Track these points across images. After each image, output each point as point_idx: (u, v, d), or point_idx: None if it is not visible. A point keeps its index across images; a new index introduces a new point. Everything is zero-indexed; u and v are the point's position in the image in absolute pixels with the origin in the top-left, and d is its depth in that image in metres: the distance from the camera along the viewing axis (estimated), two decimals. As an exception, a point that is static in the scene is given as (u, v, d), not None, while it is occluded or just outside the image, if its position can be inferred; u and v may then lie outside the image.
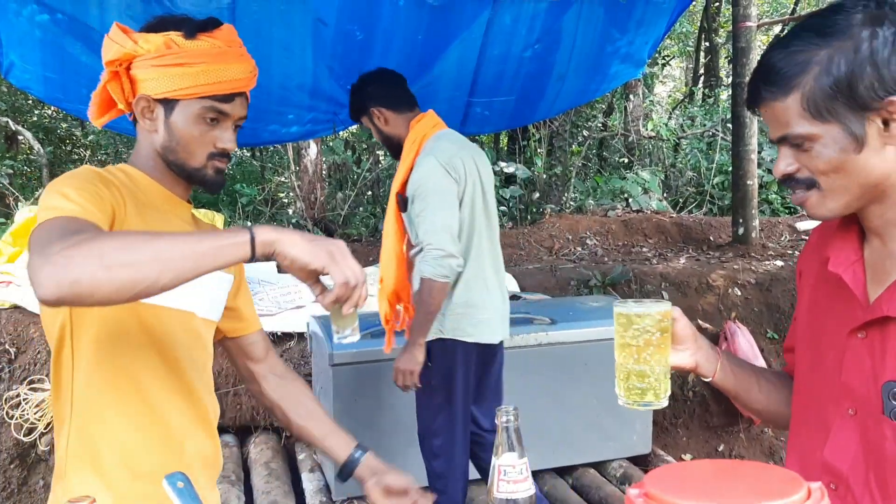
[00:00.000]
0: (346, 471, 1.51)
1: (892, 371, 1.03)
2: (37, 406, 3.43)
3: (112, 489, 1.32)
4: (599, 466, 3.68)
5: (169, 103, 1.36)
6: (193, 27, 1.35)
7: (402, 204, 2.70)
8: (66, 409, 1.33)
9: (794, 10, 10.42)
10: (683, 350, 1.21)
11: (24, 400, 3.46)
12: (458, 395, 2.74)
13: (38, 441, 3.45)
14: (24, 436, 3.45)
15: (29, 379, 3.55)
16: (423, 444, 2.84)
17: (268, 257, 1.12)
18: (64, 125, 10.70)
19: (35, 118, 10.28)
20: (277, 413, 1.64)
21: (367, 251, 5.68)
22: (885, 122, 1.00)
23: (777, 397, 1.31)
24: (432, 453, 2.80)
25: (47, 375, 3.55)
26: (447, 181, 2.60)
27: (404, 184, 2.70)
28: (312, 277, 1.18)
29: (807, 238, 5.97)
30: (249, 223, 7.28)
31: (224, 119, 1.39)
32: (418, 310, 2.62)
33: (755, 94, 1.08)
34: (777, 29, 10.65)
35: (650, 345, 1.13)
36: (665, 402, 1.15)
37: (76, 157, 10.92)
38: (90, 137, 10.69)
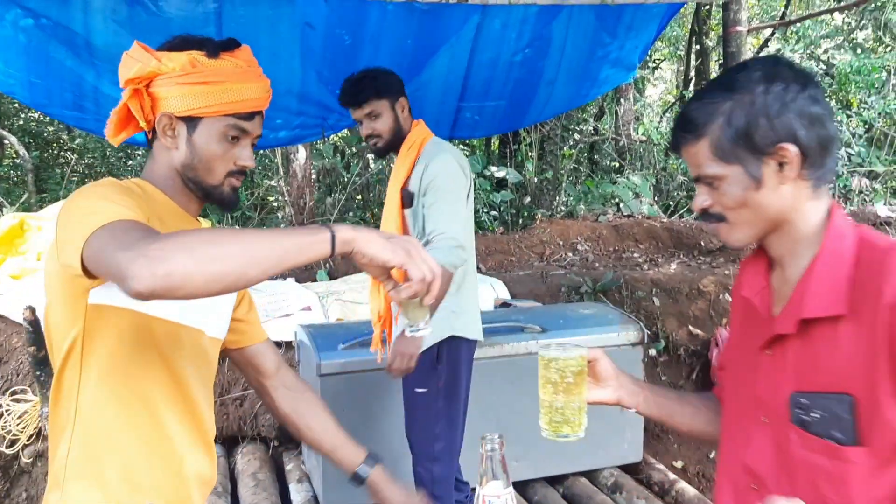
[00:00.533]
0: (356, 482, 1.63)
1: (794, 383, 1.19)
2: (19, 417, 3.38)
3: (111, 502, 1.34)
4: (590, 475, 3.65)
5: (192, 121, 1.38)
6: (216, 47, 1.38)
7: (409, 199, 2.71)
8: (67, 420, 1.34)
9: (783, 15, 10.44)
10: (606, 387, 1.39)
11: (6, 411, 3.41)
12: (461, 393, 2.77)
13: (20, 452, 3.40)
14: (6, 447, 3.39)
15: (11, 390, 3.49)
16: (422, 449, 2.78)
17: (346, 255, 1.16)
18: (50, 129, 10.61)
19: (21, 122, 10.19)
20: (289, 425, 1.70)
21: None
22: (780, 165, 1.17)
23: (701, 419, 1.47)
24: (433, 458, 2.75)
25: (30, 386, 3.49)
26: (462, 178, 2.66)
27: (406, 180, 2.72)
28: (385, 273, 1.22)
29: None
30: (237, 227, 7.22)
31: (244, 137, 1.43)
32: None
33: (675, 139, 1.27)
34: (767, 33, 10.66)
35: (566, 384, 1.28)
36: (581, 434, 1.31)
37: (63, 160, 10.83)
38: (77, 141, 10.60)
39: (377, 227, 2.84)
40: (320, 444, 1.68)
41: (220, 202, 1.46)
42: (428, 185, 2.60)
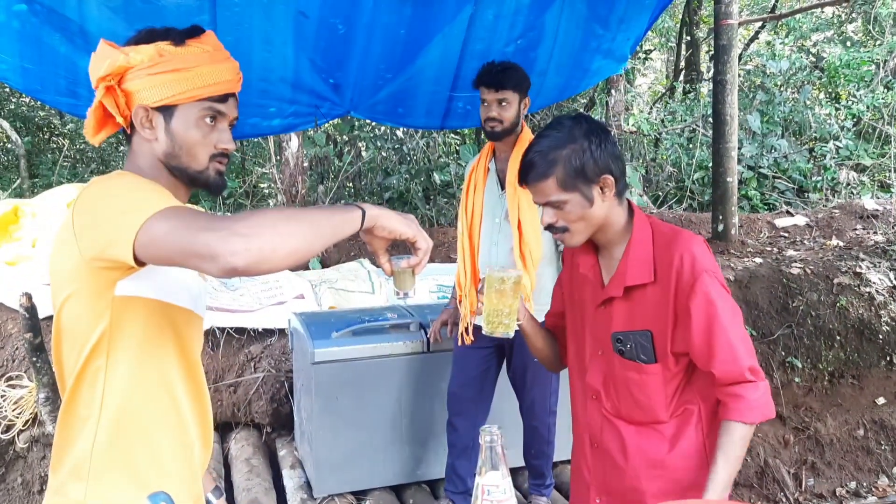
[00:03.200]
0: None
1: (616, 326, 1.81)
2: (15, 403, 3.40)
3: (142, 489, 1.37)
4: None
5: (168, 110, 1.40)
6: (180, 35, 1.40)
7: None
8: (90, 411, 1.36)
9: (773, 8, 10.48)
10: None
11: (1, 397, 3.43)
12: None
13: (16, 438, 3.42)
14: (2, 433, 3.41)
15: (7, 375, 3.51)
16: (543, 407, 3.11)
17: (368, 230, 1.31)
18: (42, 114, 10.54)
19: (12, 107, 10.13)
20: None
21: (348, 246, 5.66)
22: (602, 189, 1.75)
23: (548, 343, 2.07)
24: (551, 411, 3.14)
25: (25, 372, 3.52)
26: None
27: None
28: (385, 246, 1.38)
29: (786, 235, 6.03)
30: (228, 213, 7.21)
31: (221, 120, 1.45)
32: None
33: (526, 177, 1.76)
34: (757, 26, 10.70)
35: (504, 296, 1.75)
36: (511, 334, 1.81)
37: (54, 145, 10.80)
38: (69, 126, 10.56)
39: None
40: None
41: (207, 187, 1.48)
42: None
